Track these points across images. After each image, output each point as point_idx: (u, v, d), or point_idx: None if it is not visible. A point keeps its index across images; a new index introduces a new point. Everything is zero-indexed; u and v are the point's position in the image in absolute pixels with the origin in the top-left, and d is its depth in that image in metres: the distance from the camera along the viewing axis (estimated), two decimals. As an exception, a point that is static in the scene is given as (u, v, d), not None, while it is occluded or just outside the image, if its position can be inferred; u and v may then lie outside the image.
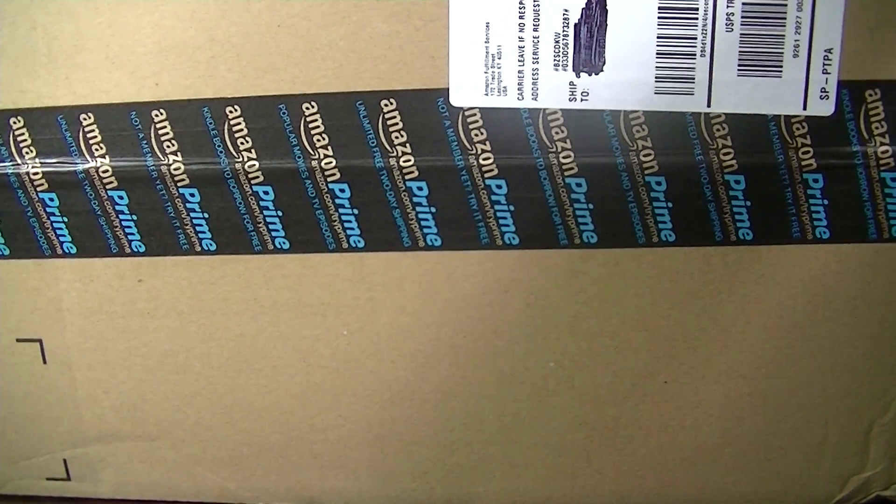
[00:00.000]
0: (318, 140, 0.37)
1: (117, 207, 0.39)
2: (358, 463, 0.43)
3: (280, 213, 0.38)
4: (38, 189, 0.39)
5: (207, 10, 0.36)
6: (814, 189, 0.37)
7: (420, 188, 0.38)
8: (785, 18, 0.35)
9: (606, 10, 0.35)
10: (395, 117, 0.37)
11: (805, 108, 0.36)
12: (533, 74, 0.36)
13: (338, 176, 0.38)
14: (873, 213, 0.37)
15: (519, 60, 0.36)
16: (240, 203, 0.38)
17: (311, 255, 0.39)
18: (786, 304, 0.39)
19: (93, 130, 0.38)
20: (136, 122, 0.38)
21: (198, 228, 0.39)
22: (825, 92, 0.36)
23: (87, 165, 0.38)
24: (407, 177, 0.38)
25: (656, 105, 0.36)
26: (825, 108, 0.36)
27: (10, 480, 0.45)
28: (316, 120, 0.37)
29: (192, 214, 0.39)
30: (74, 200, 0.39)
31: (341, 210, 0.38)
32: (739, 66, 0.35)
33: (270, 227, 0.39)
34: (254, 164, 0.38)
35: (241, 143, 0.38)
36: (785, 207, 0.37)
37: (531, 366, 0.41)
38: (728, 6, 0.35)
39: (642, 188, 0.37)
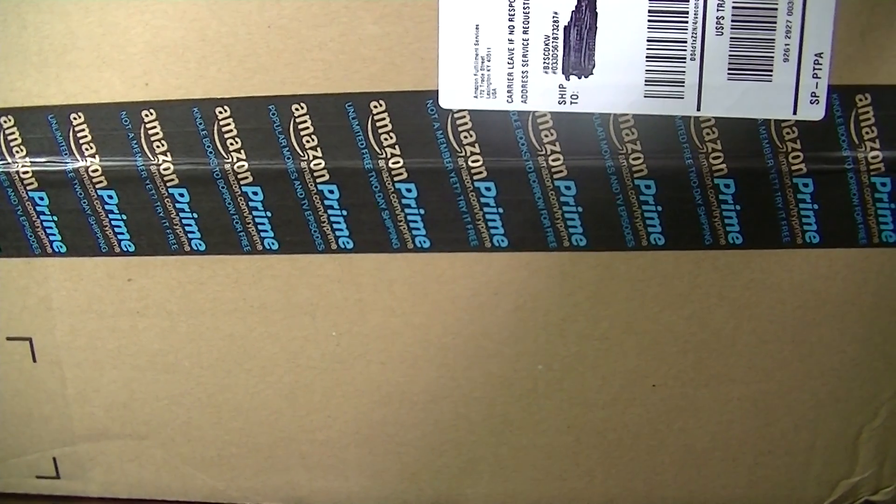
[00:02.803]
0: (308, 141, 0.37)
1: (107, 207, 0.39)
2: (347, 464, 0.43)
3: (269, 214, 0.38)
4: (28, 188, 0.39)
5: (198, 11, 0.36)
6: (804, 193, 0.37)
7: (409, 190, 0.38)
8: (775, 22, 0.35)
9: (596, 13, 0.35)
10: (384, 119, 0.37)
11: (795, 113, 0.36)
12: (522, 77, 0.36)
13: (327, 177, 0.38)
14: (863, 217, 0.37)
15: (508, 63, 0.36)
16: (229, 203, 0.38)
17: (300, 255, 0.39)
18: (775, 309, 0.39)
19: (83, 130, 0.38)
20: (126, 121, 0.38)
21: (187, 228, 0.39)
22: (815, 96, 0.36)
23: (76, 165, 0.38)
24: (396, 178, 0.38)
25: (646, 108, 0.36)
26: (815, 113, 0.36)
27: (0, 479, 0.45)
28: (305, 121, 0.37)
29: (182, 214, 0.39)
30: (64, 199, 0.39)
31: (330, 211, 0.38)
32: (729, 69, 0.35)
33: (259, 227, 0.39)
34: (243, 165, 0.38)
35: (231, 144, 0.38)
36: (775, 212, 0.37)
37: (520, 368, 0.41)
38: (718, 10, 0.35)
39: (632, 191, 0.37)
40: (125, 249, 0.40)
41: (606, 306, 0.40)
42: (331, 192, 0.38)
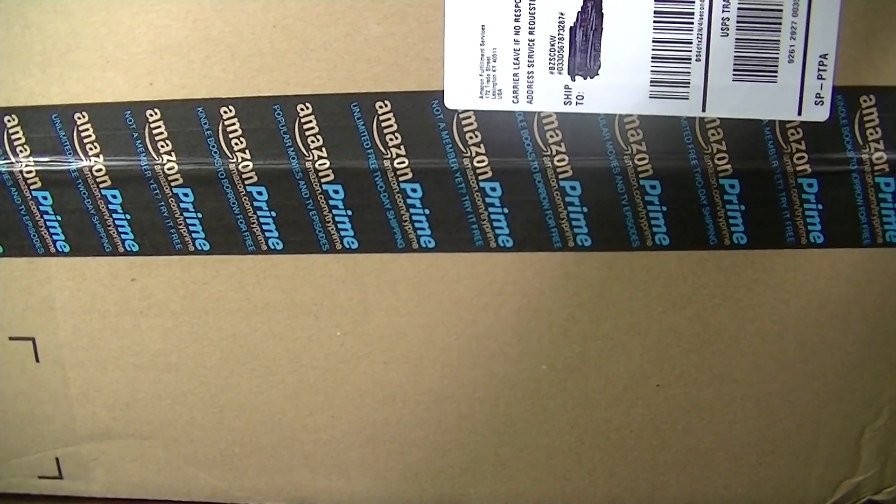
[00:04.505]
0: (313, 141, 0.37)
1: (111, 206, 0.39)
2: (350, 464, 0.43)
3: (273, 214, 0.38)
4: (32, 187, 0.39)
5: (202, 10, 0.36)
6: (808, 194, 0.37)
7: (414, 190, 0.38)
8: (780, 24, 0.35)
9: (602, 14, 0.35)
10: (389, 119, 0.37)
11: (800, 114, 0.36)
12: (528, 77, 0.36)
13: (332, 177, 0.38)
14: (867, 218, 0.37)
15: (514, 63, 0.36)
16: (233, 203, 0.38)
17: (304, 255, 0.39)
18: (779, 309, 0.39)
19: (87, 129, 0.38)
20: (130, 121, 0.37)
21: (191, 228, 0.39)
22: (820, 97, 0.36)
23: (80, 164, 0.38)
24: (401, 178, 0.38)
25: (651, 109, 0.36)
26: (820, 114, 0.36)
27: (2, 478, 0.45)
28: (310, 121, 0.37)
29: (186, 214, 0.39)
30: (68, 199, 0.39)
31: (335, 211, 0.38)
32: (735, 70, 0.35)
33: (264, 227, 0.39)
34: (248, 165, 0.38)
35: (236, 144, 0.37)
36: (779, 212, 0.37)
37: (524, 368, 0.41)
38: (724, 11, 0.35)
39: (637, 192, 0.37)
40: (129, 249, 0.40)
41: (610, 306, 0.40)
42: (335, 191, 0.38)
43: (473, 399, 0.42)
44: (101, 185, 0.38)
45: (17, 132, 0.38)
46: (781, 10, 0.35)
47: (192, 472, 0.44)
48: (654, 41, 0.35)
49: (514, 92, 0.36)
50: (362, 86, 0.37)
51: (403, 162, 0.37)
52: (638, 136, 0.36)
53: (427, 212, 0.38)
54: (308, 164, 0.37)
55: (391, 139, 0.37)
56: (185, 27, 0.37)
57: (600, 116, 0.36)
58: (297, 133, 0.37)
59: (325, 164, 0.37)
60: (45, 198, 0.39)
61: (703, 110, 0.36)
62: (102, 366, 0.42)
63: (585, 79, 0.36)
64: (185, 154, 0.38)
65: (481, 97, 0.36)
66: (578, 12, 0.35)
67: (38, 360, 0.42)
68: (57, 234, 0.39)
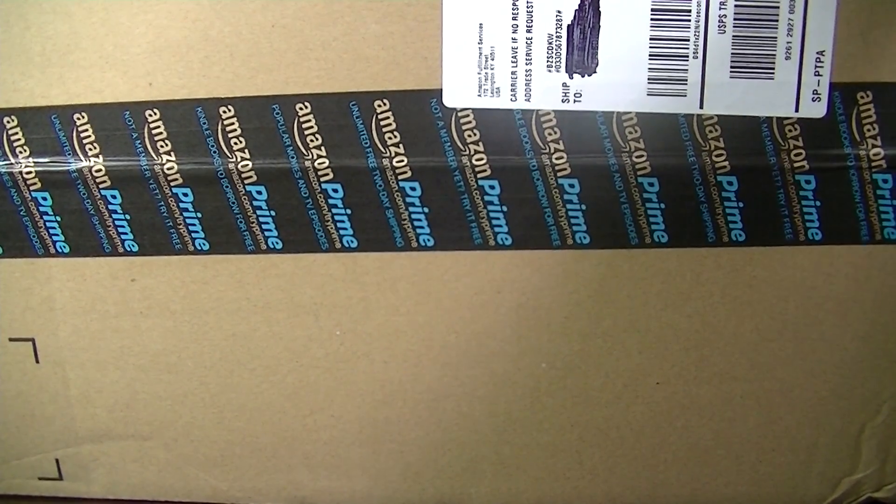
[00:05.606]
0: (312, 140, 0.37)
1: (110, 207, 0.39)
2: (350, 463, 0.43)
3: (273, 213, 0.39)
4: (32, 188, 0.39)
5: (201, 10, 0.36)
6: (806, 191, 0.37)
7: (413, 188, 0.38)
8: (777, 21, 0.35)
9: (599, 12, 0.35)
10: (388, 118, 0.37)
11: (797, 110, 0.36)
12: (526, 75, 0.36)
13: (331, 176, 0.38)
14: (865, 214, 0.38)
15: (512, 61, 0.36)
16: (233, 203, 0.38)
17: (303, 254, 0.39)
18: (778, 306, 0.39)
19: (86, 130, 0.38)
20: (129, 121, 0.38)
21: (191, 228, 0.39)
22: (817, 94, 0.36)
23: (80, 165, 0.38)
24: (400, 177, 0.38)
25: (649, 106, 0.36)
26: (817, 111, 0.36)
27: (3, 480, 0.45)
28: (309, 120, 0.37)
29: (186, 214, 0.39)
30: (68, 199, 0.39)
31: (334, 210, 0.38)
32: (732, 67, 0.36)
33: (263, 226, 0.39)
34: (247, 164, 0.38)
35: (235, 143, 0.38)
36: (777, 209, 0.38)
37: (523, 367, 0.41)
38: (721, 8, 0.35)
39: (635, 189, 0.37)
40: (128, 249, 0.40)
41: (609, 304, 0.40)
42: (335, 190, 0.38)
43: (473, 398, 0.42)
44: (100, 186, 0.38)
45: (17, 133, 0.38)
46: (778, 8, 0.35)
47: (192, 472, 0.44)
48: (651, 38, 0.35)
49: (513, 90, 0.36)
50: (361, 85, 0.37)
51: (402, 160, 0.37)
52: (636, 133, 0.37)
53: (426, 210, 0.38)
54: (307, 164, 0.38)
55: (390, 138, 0.37)
56: (184, 27, 0.37)
57: (598, 114, 0.36)
58: (297, 132, 0.37)
59: (324, 163, 0.38)
60: (44, 198, 0.39)
61: (701, 107, 0.36)
62: (102, 366, 0.42)
63: (583, 76, 0.36)
64: (185, 154, 0.38)
65: (479, 95, 0.36)
66: (576, 10, 0.35)
67: (38, 361, 0.42)
68: (57, 235, 0.40)
